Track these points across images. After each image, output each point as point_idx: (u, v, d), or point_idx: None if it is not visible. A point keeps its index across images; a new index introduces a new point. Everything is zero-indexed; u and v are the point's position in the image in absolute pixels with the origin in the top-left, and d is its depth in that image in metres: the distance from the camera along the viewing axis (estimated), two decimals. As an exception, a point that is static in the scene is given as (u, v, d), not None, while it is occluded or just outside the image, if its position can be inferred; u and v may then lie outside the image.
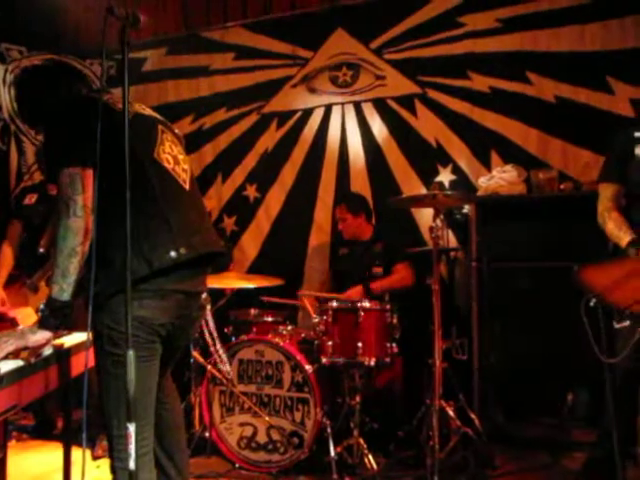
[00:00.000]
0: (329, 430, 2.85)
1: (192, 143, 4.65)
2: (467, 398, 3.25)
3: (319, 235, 4.28)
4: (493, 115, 3.83)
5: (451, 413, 2.90)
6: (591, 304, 2.31)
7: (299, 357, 2.93)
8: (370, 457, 2.83)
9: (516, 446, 3.21)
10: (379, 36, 4.17)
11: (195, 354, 3.21)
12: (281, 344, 2.97)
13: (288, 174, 4.39)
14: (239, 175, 4.53)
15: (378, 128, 4.16)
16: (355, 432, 2.88)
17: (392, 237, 3.67)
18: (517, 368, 3.31)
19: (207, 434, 3.10)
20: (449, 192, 3.14)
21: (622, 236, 2.31)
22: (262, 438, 2.99)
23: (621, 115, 3.52)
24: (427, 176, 3.97)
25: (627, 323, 2.24)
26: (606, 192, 2.43)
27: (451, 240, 3.82)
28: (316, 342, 2.98)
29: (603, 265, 2.34)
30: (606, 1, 3.63)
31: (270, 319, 3.40)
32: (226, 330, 3.43)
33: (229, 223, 4.55)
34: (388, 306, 2.91)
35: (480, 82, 3.87)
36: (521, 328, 3.30)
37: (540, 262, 3.22)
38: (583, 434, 3.14)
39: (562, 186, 3.38)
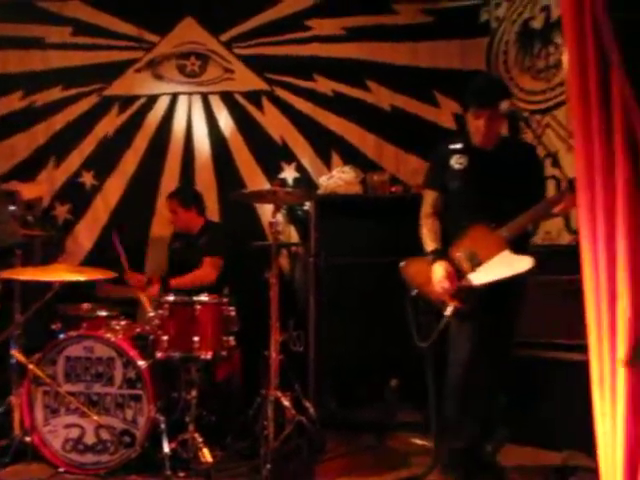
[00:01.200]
0: (162, 426, 2.79)
1: (21, 121, 4.25)
2: (303, 388, 3.39)
3: (161, 226, 4.16)
4: (335, 117, 4.03)
5: (286, 403, 2.99)
6: (412, 294, 2.57)
7: (132, 353, 2.83)
8: (205, 450, 2.82)
9: (347, 431, 3.41)
10: (229, 29, 4.16)
11: (15, 352, 2.95)
12: (112, 339, 2.84)
13: (129, 162, 4.20)
14: (75, 160, 4.23)
15: (225, 121, 4.15)
16: (190, 427, 2.85)
17: (235, 230, 3.70)
18: (351, 358, 3.52)
19: (28, 439, 2.87)
20: (288, 189, 3.24)
21: (429, 243, 2.58)
22: (90, 439, 2.84)
23: (445, 127, 3.90)
24: (272, 172, 4.05)
25: (449, 311, 2.50)
26: (428, 198, 2.67)
27: (293, 236, 3.95)
28: (151, 337, 2.90)
29: (420, 261, 2.60)
30: (438, 23, 4.00)
31: (104, 314, 3.23)
32: (54, 326, 3.19)
33: (62, 211, 4.23)
34: (225, 299, 2.92)
35: (324, 85, 4.05)
36: (355, 320, 3.51)
37: (373, 258, 3.46)
38: (406, 415, 3.44)
39: (393, 188, 3.66)
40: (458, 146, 2.59)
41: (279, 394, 2.97)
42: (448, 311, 2.48)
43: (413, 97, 3.98)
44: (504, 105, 2.38)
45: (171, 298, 2.88)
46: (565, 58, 1.97)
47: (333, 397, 3.58)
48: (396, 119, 3.99)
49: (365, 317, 3.45)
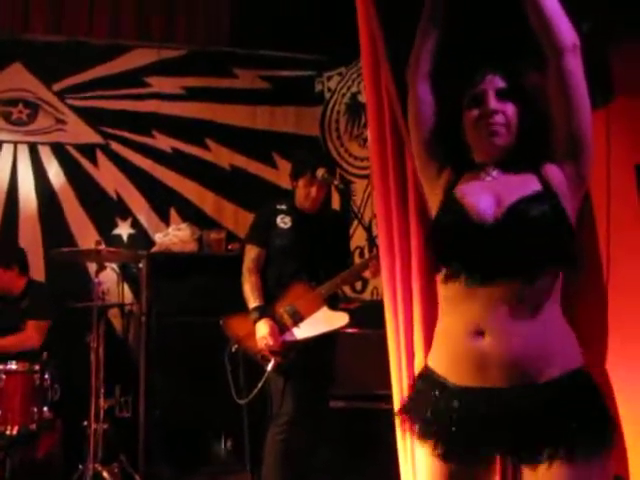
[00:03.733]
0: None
1: None
2: (132, 457, 3.19)
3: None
4: (174, 174, 4.01)
5: (107, 476, 2.80)
6: (233, 350, 2.60)
7: None
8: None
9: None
10: (62, 79, 4.00)
11: None
12: None
13: (-60, 214, 3.78)
14: None
15: (55, 174, 3.93)
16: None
17: (62, 290, 3.45)
18: (182, 420, 3.40)
19: None
20: (112, 248, 3.13)
21: (252, 299, 2.66)
22: None
23: (284, 187, 4.04)
24: (105, 228, 3.88)
25: (270, 366, 2.56)
26: (250, 253, 2.76)
27: (127, 294, 3.79)
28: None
29: (242, 317, 2.65)
30: (275, 90, 4.21)
31: None
32: None
33: None
34: (37, 366, 2.70)
35: (163, 141, 4.03)
36: (188, 381, 3.41)
37: (207, 317, 3.40)
38: (242, 477, 3.36)
39: (230, 246, 3.69)
40: (283, 206, 2.76)
41: (100, 468, 2.78)
42: (269, 366, 2.54)
43: (252, 158, 4.10)
44: (320, 172, 2.59)
45: (-28, 367, 2.59)
46: (369, 135, 2.18)
47: (166, 463, 3.41)
48: (236, 178, 4.08)
49: (199, 377, 3.38)
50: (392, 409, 3.08)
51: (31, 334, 3.19)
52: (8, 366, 2.60)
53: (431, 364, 1.31)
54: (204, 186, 4.02)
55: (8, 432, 2.55)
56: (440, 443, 1.21)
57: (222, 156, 4.07)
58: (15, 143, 3.93)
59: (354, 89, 4.04)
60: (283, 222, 2.72)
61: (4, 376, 2.56)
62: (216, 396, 3.33)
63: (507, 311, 1.19)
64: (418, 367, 1.90)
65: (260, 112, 4.14)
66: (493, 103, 1.29)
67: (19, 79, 3.97)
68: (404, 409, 1.32)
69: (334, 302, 2.71)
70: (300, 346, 2.58)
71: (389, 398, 3.13)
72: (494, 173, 1.33)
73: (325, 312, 2.61)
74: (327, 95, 4.22)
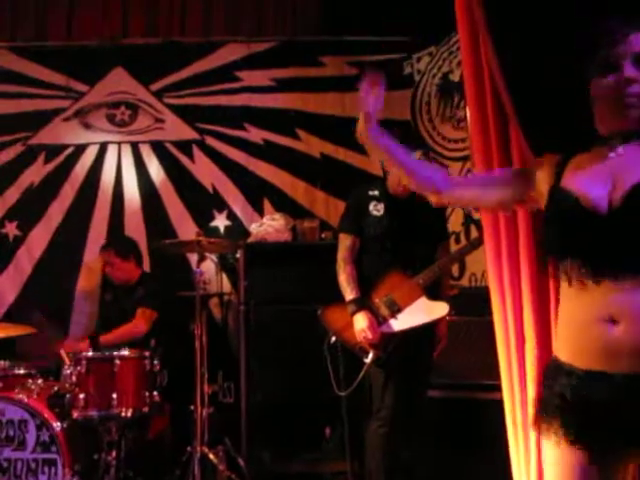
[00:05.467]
0: (81, 491, 2.63)
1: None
2: (234, 442, 3.29)
3: (89, 277, 4.03)
4: (266, 166, 4.07)
5: (213, 458, 2.90)
6: (331, 342, 2.58)
7: (46, 414, 2.67)
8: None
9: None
10: (160, 79, 4.18)
11: None
12: (25, 400, 2.68)
13: (55, 212, 4.08)
14: (-3, 210, 4.09)
15: (155, 171, 4.12)
16: (112, 490, 2.71)
17: (165, 280, 3.62)
18: (283, 407, 3.45)
19: None
20: (212, 239, 3.22)
21: (349, 291, 2.61)
22: (-1, 509, 2.64)
23: (374, 174, 3.99)
24: (203, 221, 4.02)
25: (370, 358, 2.53)
26: (345, 242, 2.70)
27: (226, 284, 3.90)
28: (68, 396, 2.76)
29: (339, 308, 2.63)
30: (360, 77, 4.14)
31: (21, 372, 3.06)
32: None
33: (-18, 263, 4.05)
34: (147, 353, 2.83)
35: (255, 134, 4.10)
36: (287, 369, 3.45)
37: (303, 305, 3.43)
38: (342, 465, 3.37)
39: (323, 235, 3.69)
40: (376, 192, 2.68)
41: (206, 450, 2.88)
42: (368, 359, 2.50)
43: (342, 145, 4.07)
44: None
45: (89, 354, 2.77)
46: (467, 114, 2.07)
47: (266, 449, 3.49)
48: (326, 166, 4.07)
49: (297, 365, 3.41)
50: (496, 398, 2.97)
51: (139, 322, 3.36)
52: (121, 352, 2.74)
53: (559, 354, 1.22)
54: (295, 175, 4.05)
55: (123, 414, 2.70)
56: (571, 431, 1.13)
57: (312, 145, 4.08)
58: (119, 143, 4.16)
59: (445, 68, 3.90)
60: (376, 209, 2.65)
61: (118, 361, 2.71)
62: (315, 384, 3.36)
63: (636, 297, 1.09)
64: (529, 354, 1.81)
65: (349, 99, 4.10)
66: (629, 70, 1.15)
67: (120, 82, 4.19)
68: (538, 404, 1.25)
69: (433, 291, 2.61)
70: (398, 338, 2.52)
71: (492, 387, 3.03)
72: (620, 149, 1.19)
73: (424, 302, 2.52)
74: (417, 77, 4.10)
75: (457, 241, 3.79)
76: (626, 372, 1.10)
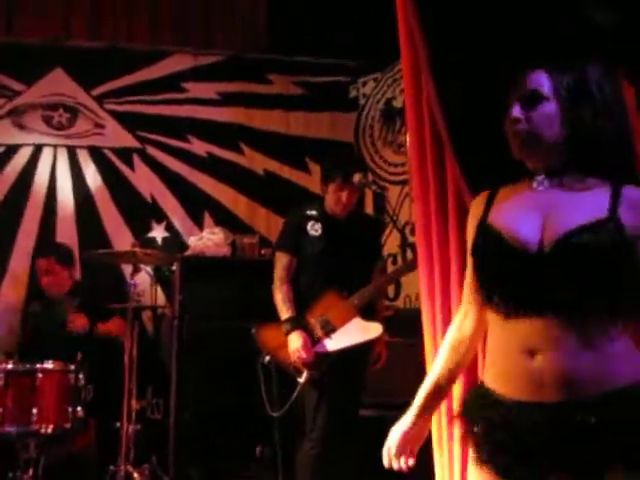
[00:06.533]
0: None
1: None
2: (162, 459, 3.20)
3: (15, 287, 3.83)
4: (208, 179, 4.04)
5: (138, 477, 2.81)
6: (265, 361, 2.56)
7: (-42, 429, 2.52)
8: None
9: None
10: (102, 84, 4.08)
11: None
12: None
13: (-19, 214, 3.88)
14: None
15: (92, 177, 4.00)
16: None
17: (97, 291, 3.50)
18: (213, 425, 3.40)
19: None
20: (148, 250, 3.15)
21: (284, 310, 2.62)
22: None
23: (316, 192, 4.03)
24: (140, 231, 3.93)
25: (304, 378, 2.54)
26: (282, 260, 2.71)
27: (160, 297, 3.81)
28: (-17, 410, 2.61)
29: (274, 327, 2.62)
30: (309, 95, 4.21)
31: None
32: None
33: None
34: (72, 366, 2.72)
35: (198, 146, 4.07)
36: (219, 385, 3.41)
37: (238, 321, 3.40)
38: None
39: (263, 251, 3.69)
40: (314, 212, 2.70)
41: (131, 469, 2.79)
42: (302, 378, 2.50)
43: (286, 163, 4.11)
44: (356, 178, 2.55)
45: (9, 366, 2.63)
46: (407, 139, 2.15)
47: (194, 468, 3.41)
48: (269, 183, 4.08)
49: (229, 383, 3.37)
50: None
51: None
52: (44, 365, 2.62)
53: (486, 380, 1.25)
54: (237, 190, 4.04)
55: (43, 430, 2.57)
56: (496, 458, 1.17)
57: (256, 161, 4.08)
58: (55, 146, 4.01)
59: (389, 94, 4.02)
60: (314, 229, 2.67)
61: (40, 375, 2.59)
62: (247, 403, 3.33)
63: (557, 335, 1.12)
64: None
65: (294, 118, 4.15)
66: (516, 110, 1.18)
67: (60, 84, 4.05)
68: (460, 421, 1.28)
69: (368, 312, 2.64)
70: (332, 358, 2.55)
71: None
72: (545, 183, 1.20)
73: (358, 322, 2.55)
74: (362, 101, 4.21)
75: (394, 262, 3.89)
76: (548, 401, 1.12)
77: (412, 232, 3.34)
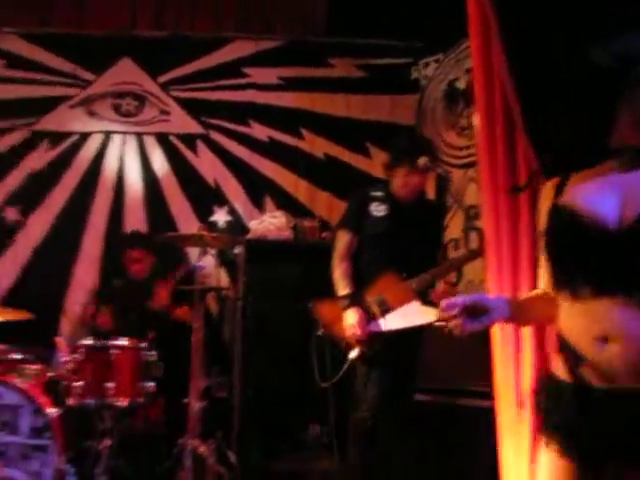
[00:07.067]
0: (72, 478, 2.64)
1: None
2: (226, 436, 3.30)
3: (88, 267, 4.03)
4: (269, 163, 4.09)
5: (204, 452, 2.91)
6: (319, 333, 2.61)
7: (41, 400, 2.68)
8: (116, 504, 2.69)
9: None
10: (167, 72, 4.19)
11: None
12: (21, 385, 2.69)
13: (57, 199, 4.08)
14: (-1, 194, 4.09)
15: (159, 162, 4.13)
16: (102, 478, 2.71)
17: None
18: (273, 403, 3.48)
19: None
20: (215, 234, 3.23)
21: (342, 286, 2.64)
22: (-10, 493, 2.65)
23: (376, 176, 4.01)
24: (204, 215, 4.04)
25: (355, 354, 2.57)
26: (343, 239, 2.72)
27: (224, 279, 3.91)
28: (63, 382, 2.77)
29: (331, 302, 2.66)
30: (370, 78, 4.18)
31: (17, 357, 3.06)
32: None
33: (-19, 247, 4.05)
34: (144, 344, 2.84)
35: (260, 131, 4.12)
36: (279, 365, 3.48)
37: (299, 303, 3.45)
38: (325, 463, 3.39)
39: (324, 235, 3.71)
40: (379, 194, 2.70)
41: (198, 443, 2.89)
42: (353, 354, 2.53)
43: (346, 147, 4.10)
44: (422, 161, 2.52)
45: (88, 342, 2.77)
46: (476, 120, 2.10)
47: (257, 445, 3.51)
48: (329, 167, 4.09)
49: (290, 362, 3.43)
50: (482, 406, 3.00)
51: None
52: (119, 342, 2.75)
53: (557, 370, 1.23)
54: (298, 175, 4.07)
55: (119, 403, 2.70)
56: (569, 444, 1.15)
57: (317, 145, 4.10)
58: (124, 133, 4.17)
59: (452, 76, 3.92)
60: (377, 210, 2.67)
61: (115, 351, 2.72)
62: (305, 381, 3.39)
63: (632, 318, 1.09)
64: (527, 364, 1.83)
65: (355, 101, 4.13)
66: None
67: (128, 73, 4.20)
68: (537, 411, 1.27)
69: (426, 296, 2.64)
70: (386, 337, 2.55)
71: (479, 394, 3.06)
72: (629, 162, 1.16)
73: (415, 306, 2.56)
74: (423, 82, 4.13)
75: (456, 247, 3.82)
76: (621, 387, 1.10)
77: (476, 216, 3.27)
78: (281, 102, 4.14)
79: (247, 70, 4.18)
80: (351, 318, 2.54)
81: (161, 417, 3.34)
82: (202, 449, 2.93)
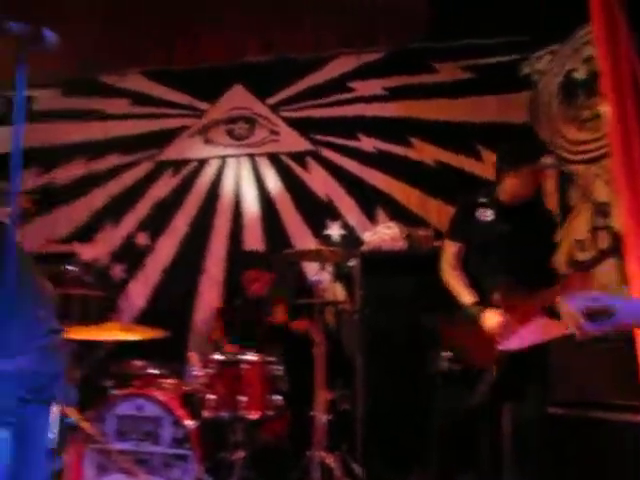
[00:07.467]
0: (210, 487, 2.77)
1: (82, 187, 4.52)
2: (350, 449, 3.30)
3: (211, 286, 4.25)
4: (379, 175, 4.09)
5: (331, 464, 2.93)
6: (446, 356, 2.51)
7: (179, 412, 2.85)
8: (252, 514, 2.78)
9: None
10: (275, 94, 4.35)
11: (68, 410, 3.01)
12: (161, 398, 2.87)
13: (180, 223, 4.36)
14: (130, 222, 4.44)
15: (272, 182, 4.28)
16: (237, 489, 2.82)
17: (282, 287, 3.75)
18: (398, 418, 3.42)
19: (78, 498, 2.90)
20: (333, 247, 3.27)
21: (466, 294, 2.52)
22: (138, 499, 2.84)
23: (488, 179, 3.87)
24: (318, 230, 4.11)
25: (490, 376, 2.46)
26: (450, 249, 2.64)
27: (339, 292, 3.94)
28: (199, 396, 2.92)
29: (455, 323, 2.56)
30: (477, 79, 4.05)
31: (155, 372, 3.28)
32: (105, 383, 3.27)
33: (118, 270, 4.41)
34: (272, 358, 2.93)
35: (368, 143, 4.14)
36: (402, 378, 3.42)
37: (417, 315, 3.39)
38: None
39: (437, 243, 3.62)
40: (484, 199, 2.60)
41: (325, 455, 2.91)
42: (489, 377, 2.42)
43: (456, 151, 3.99)
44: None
45: (218, 357, 2.91)
46: (606, 110, 1.95)
47: (380, 458, 3.47)
48: (440, 174, 4.01)
49: (412, 375, 3.36)
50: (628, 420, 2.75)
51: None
52: (248, 356, 2.86)
53: None
54: (409, 184, 4.02)
55: (250, 416, 2.80)
56: None
57: (426, 152, 4.04)
58: (237, 156, 4.37)
59: (569, 66, 3.70)
60: (484, 215, 2.57)
61: (245, 365, 2.83)
62: (428, 399, 3.31)
63: None
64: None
65: (462, 104, 4.02)
66: None
67: (239, 99, 4.42)
68: None
69: (552, 308, 2.46)
70: (514, 356, 2.43)
71: (623, 407, 2.82)
72: None
73: (541, 321, 2.41)
74: (535, 78, 3.93)
75: (582, 249, 3.57)
76: None
77: (606, 214, 3.04)
78: (387, 112, 4.13)
79: (352, 84, 4.23)
80: (492, 318, 2.41)
81: (286, 430, 3.41)
82: (329, 461, 2.95)
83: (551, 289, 2.39)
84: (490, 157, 3.92)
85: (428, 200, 3.99)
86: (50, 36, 1.25)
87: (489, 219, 2.55)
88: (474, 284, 2.56)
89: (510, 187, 2.53)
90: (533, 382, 2.47)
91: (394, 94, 4.14)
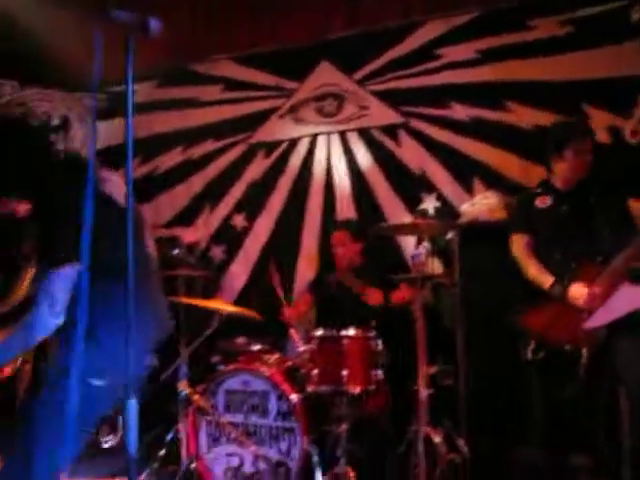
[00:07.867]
0: (316, 458, 2.84)
1: (181, 173, 4.74)
2: (454, 425, 3.26)
3: (308, 262, 4.32)
4: (474, 143, 3.92)
5: (436, 440, 2.91)
6: (533, 346, 2.44)
7: (284, 386, 2.93)
8: (357, 486, 2.82)
9: (502, 472, 3.21)
10: (362, 68, 4.28)
11: (181, 384, 3.21)
12: (267, 373, 2.98)
13: (275, 203, 4.45)
14: (227, 204, 4.60)
15: (363, 157, 4.24)
16: (342, 460, 2.87)
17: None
18: (499, 392, 3.34)
19: (193, 465, 3.09)
20: (430, 220, 3.20)
21: (545, 278, 2.58)
22: (248, 469, 2.98)
23: (597, 140, 3.59)
24: (412, 203, 4.03)
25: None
26: (520, 242, 2.72)
27: (436, 266, 3.86)
28: (302, 371, 2.99)
29: (537, 309, 2.49)
30: (579, 33, 3.75)
31: (257, 348, 3.41)
32: (214, 359, 3.44)
33: (217, 252, 4.59)
34: (372, 333, 2.93)
35: (460, 111, 3.97)
36: (499, 352, 3.32)
37: (516, 288, 3.26)
38: (576, 458, 3.14)
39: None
40: (538, 189, 2.75)
41: (429, 430, 2.90)
42: (584, 357, 2.32)
43: (558, 113, 3.73)
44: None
45: (319, 332, 2.96)
46: None
47: (485, 434, 3.40)
48: (540, 138, 3.77)
49: (514, 350, 3.23)
50: None
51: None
52: (349, 332, 2.89)
53: None
54: (507, 150, 3.83)
55: (352, 390, 2.84)
56: None
57: (523, 116, 3.81)
58: (328, 134, 4.37)
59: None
60: (542, 202, 2.68)
61: (346, 340, 2.85)
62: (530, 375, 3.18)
63: None
64: None
65: (564, 62, 3.73)
66: None
67: (326, 75, 4.39)
68: None
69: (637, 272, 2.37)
70: (605, 332, 2.37)
71: None
72: None
73: (627, 289, 2.29)
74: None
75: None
76: None
77: None
78: (481, 77, 3.93)
79: (441, 51, 4.06)
80: (579, 290, 2.42)
81: (387, 404, 3.42)
82: (434, 435, 2.93)
83: (627, 251, 2.34)
84: (599, 116, 3.64)
85: (529, 166, 3.77)
86: (155, 25, 1.29)
87: (548, 205, 2.66)
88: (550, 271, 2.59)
89: (560, 172, 2.64)
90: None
91: (487, 57, 3.92)
